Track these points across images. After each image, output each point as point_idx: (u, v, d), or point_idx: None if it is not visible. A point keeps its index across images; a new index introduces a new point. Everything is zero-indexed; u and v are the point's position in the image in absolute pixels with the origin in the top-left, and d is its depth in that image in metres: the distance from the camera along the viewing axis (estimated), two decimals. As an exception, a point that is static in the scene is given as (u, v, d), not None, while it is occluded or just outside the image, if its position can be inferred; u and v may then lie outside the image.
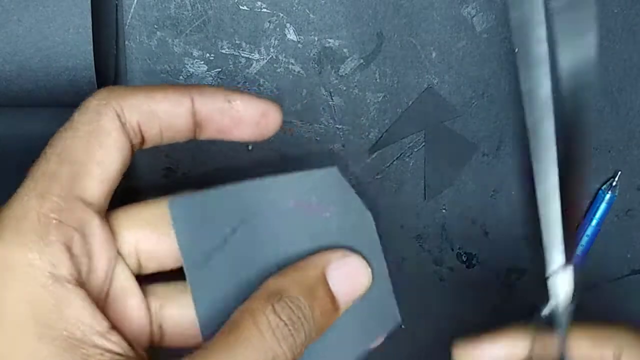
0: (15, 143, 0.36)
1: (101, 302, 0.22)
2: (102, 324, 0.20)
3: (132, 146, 0.23)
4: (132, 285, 0.24)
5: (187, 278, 0.23)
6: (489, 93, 0.38)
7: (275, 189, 0.25)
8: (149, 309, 0.24)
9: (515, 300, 0.42)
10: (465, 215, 0.40)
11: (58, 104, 0.33)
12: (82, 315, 0.20)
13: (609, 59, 0.38)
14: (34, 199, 0.21)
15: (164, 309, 0.24)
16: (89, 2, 0.31)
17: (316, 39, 0.36)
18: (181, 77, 0.36)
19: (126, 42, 0.35)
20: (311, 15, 0.36)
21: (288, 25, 0.36)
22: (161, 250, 0.24)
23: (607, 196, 0.40)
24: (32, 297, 0.19)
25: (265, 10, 0.36)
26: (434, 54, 0.37)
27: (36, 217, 0.20)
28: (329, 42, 0.37)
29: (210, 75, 0.36)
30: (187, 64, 0.36)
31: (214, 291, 0.23)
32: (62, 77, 0.32)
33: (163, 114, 0.23)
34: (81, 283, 0.21)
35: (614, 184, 0.40)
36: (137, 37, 0.35)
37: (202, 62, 0.36)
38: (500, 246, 0.41)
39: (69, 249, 0.20)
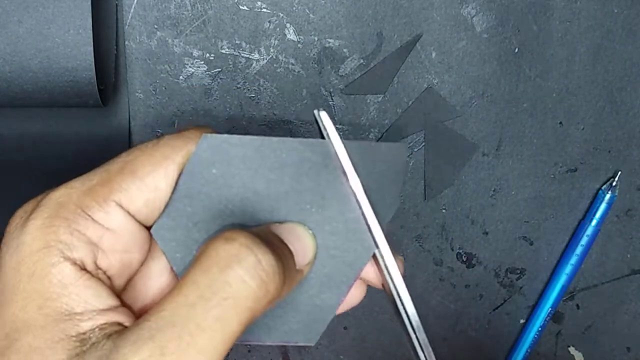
0: (16, 143, 0.36)
1: (129, 285, 0.25)
2: (106, 302, 0.23)
3: None
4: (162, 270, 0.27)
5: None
6: (489, 93, 0.38)
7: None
8: None
9: (515, 300, 0.42)
10: (465, 215, 0.40)
11: (58, 105, 0.33)
12: (84, 293, 0.22)
13: (609, 59, 0.38)
14: (79, 193, 0.23)
15: None
16: (90, 3, 0.31)
17: (316, 39, 0.36)
18: (181, 77, 0.36)
19: (126, 42, 0.35)
20: (311, 15, 0.36)
21: (288, 25, 0.36)
22: None
23: (607, 196, 0.40)
24: (42, 272, 0.22)
25: (265, 10, 0.36)
26: (434, 54, 0.37)
27: (73, 208, 0.23)
28: (329, 42, 0.37)
29: (210, 76, 0.36)
30: (187, 64, 0.36)
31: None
32: (63, 78, 0.32)
33: None
34: (95, 269, 0.23)
35: (614, 184, 0.40)
36: (137, 37, 0.35)
37: (202, 62, 0.36)
38: (500, 246, 0.41)
39: (90, 241, 0.23)
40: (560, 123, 0.39)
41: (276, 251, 0.22)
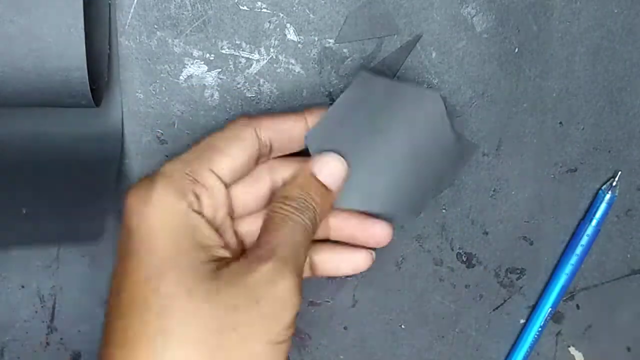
0: (7, 143, 0.35)
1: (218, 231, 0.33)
2: (219, 241, 0.31)
3: (261, 154, 0.33)
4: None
5: None
6: (489, 93, 0.38)
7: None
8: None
9: (515, 300, 0.42)
10: (465, 215, 0.40)
11: (50, 105, 0.33)
12: (208, 233, 0.31)
13: (609, 59, 0.38)
14: (181, 163, 0.32)
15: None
16: (81, 2, 0.30)
17: (316, 39, 0.36)
18: (181, 77, 0.36)
19: (126, 42, 0.35)
20: (311, 15, 0.36)
21: (288, 25, 0.36)
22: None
23: (607, 196, 0.40)
24: (179, 220, 0.30)
25: (265, 10, 0.35)
26: (434, 54, 0.37)
27: (179, 175, 0.31)
28: (329, 42, 0.36)
29: (211, 76, 0.36)
30: (187, 64, 0.36)
31: None
32: (55, 78, 0.31)
33: (286, 131, 0.34)
34: (205, 218, 0.31)
35: (614, 184, 0.40)
36: (137, 37, 0.35)
37: (202, 62, 0.36)
38: (500, 246, 0.41)
39: (198, 197, 0.31)
40: (560, 123, 0.39)
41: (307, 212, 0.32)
